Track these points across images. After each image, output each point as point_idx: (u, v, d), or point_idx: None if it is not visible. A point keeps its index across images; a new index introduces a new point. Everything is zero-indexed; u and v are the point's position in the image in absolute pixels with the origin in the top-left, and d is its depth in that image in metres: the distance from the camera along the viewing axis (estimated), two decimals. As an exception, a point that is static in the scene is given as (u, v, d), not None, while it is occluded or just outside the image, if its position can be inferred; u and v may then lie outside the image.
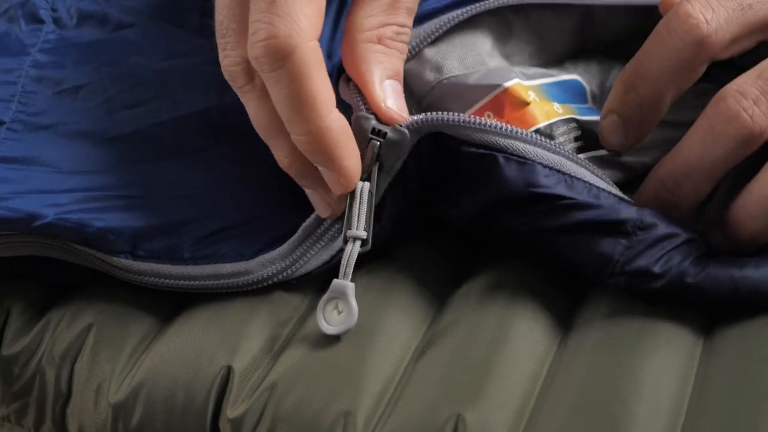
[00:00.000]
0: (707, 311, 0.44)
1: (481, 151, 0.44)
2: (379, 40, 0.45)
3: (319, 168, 0.44)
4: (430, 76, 0.49)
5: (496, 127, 0.44)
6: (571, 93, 0.50)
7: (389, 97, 0.45)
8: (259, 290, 0.46)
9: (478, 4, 0.49)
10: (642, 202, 0.45)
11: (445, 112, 0.44)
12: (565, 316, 0.45)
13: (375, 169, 0.45)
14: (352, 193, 0.44)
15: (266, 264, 0.46)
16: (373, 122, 0.44)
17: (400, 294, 0.46)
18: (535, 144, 0.44)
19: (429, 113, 0.44)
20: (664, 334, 0.43)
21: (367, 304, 0.45)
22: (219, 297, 0.46)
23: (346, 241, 0.44)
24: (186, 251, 0.46)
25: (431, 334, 0.45)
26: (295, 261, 0.46)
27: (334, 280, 0.44)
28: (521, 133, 0.44)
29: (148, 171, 0.48)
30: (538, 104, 0.48)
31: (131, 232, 0.45)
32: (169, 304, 0.47)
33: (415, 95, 0.49)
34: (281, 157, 0.45)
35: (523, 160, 0.44)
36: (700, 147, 0.44)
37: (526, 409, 0.42)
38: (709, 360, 0.43)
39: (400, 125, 0.44)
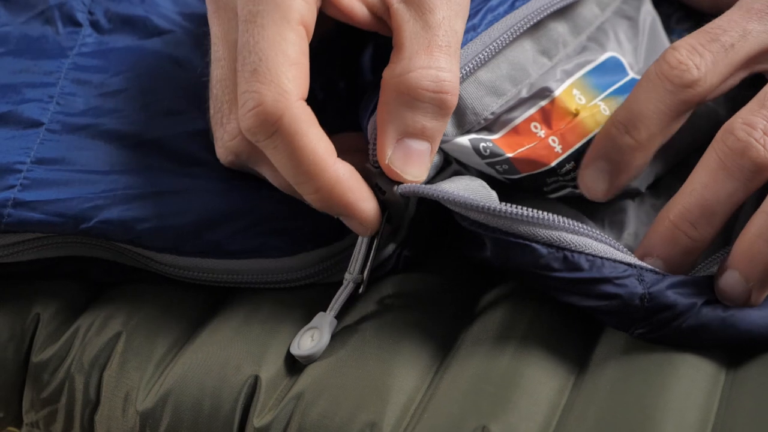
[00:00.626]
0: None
1: (473, 228, 0.44)
2: (413, 91, 0.43)
3: (340, 217, 0.44)
4: (487, 100, 0.47)
5: (486, 209, 0.42)
6: (611, 72, 0.49)
7: (398, 157, 0.43)
8: (287, 298, 0.47)
9: (517, 21, 0.47)
10: (654, 246, 0.44)
11: (439, 188, 0.43)
12: (590, 334, 0.45)
13: (384, 218, 0.45)
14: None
15: (309, 264, 0.46)
16: (376, 179, 0.44)
17: (427, 306, 0.46)
18: (530, 223, 0.43)
19: (424, 184, 0.43)
20: (689, 356, 0.43)
21: (393, 315, 0.46)
22: (246, 304, 0.47)
23: (344, 281, 0.45)
24: (230, 245, 0.46)
25: (457, 347, 0.45)
26: (335, 265, 0.47)
27: (319, 313, 0.45)
28: (515, 213, 0.42)
29: (185, 173, 0.48)
30: (587, 110, 0.47)
31: (175, 230, 0.46)
32: (198, 313, 0.47)
33: (469, 119, 0.47)
34: (311, 203, 0.45)
35: (517, 240, 0.43)
36: (714, 184, 0.43)
37: (551, 421, 0.42)
38: (733, 385, 0.43)
39: (398, 188, 0.44)
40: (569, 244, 0.43)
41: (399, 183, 0.44)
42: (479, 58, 0.46)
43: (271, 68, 0.42)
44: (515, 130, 0.47)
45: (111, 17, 0.54)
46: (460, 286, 0.48)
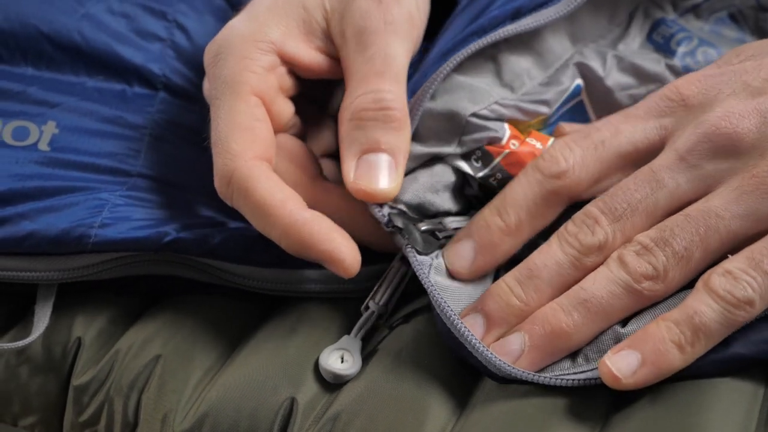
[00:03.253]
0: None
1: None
2: (357, 114, 0.47)
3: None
4: (467, 104, 0.49)
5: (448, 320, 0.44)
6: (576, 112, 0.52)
7: (361, 174, 0.46)
8: (325, 315, 0.47)
9: (456, 54, 0.49)
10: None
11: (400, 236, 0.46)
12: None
13: (407, 250, 0.46)
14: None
15: (370, 276, 0.48)
16: (377, 210, 0.46)
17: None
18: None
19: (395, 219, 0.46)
20: (721, 387, 0.42)
21: (429, 336, 0.46)
22: (285, 324, 0.47)
23: (367, 308, 0.46)
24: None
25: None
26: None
27: (345, 336, 0.46)
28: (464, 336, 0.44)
29: None
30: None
31: (247, 241, 0.48)
32: (234, 335, 0.48)
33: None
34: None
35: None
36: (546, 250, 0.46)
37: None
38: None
39: (381, 210, 0.46)
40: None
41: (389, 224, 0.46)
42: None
43: (222, 138, 0.47)
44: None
45: (186, 87, 0.57)
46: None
